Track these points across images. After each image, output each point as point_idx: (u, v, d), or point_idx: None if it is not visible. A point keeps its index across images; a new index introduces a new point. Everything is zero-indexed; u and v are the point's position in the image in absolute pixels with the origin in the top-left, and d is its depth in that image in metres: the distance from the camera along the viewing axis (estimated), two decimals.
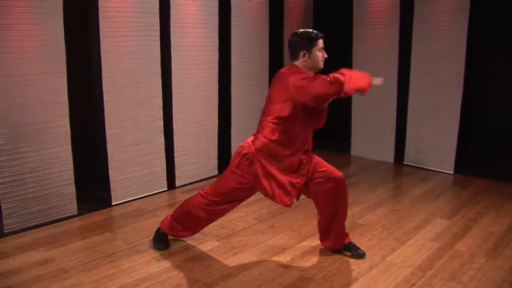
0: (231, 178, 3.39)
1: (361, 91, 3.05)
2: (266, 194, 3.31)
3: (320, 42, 3.30)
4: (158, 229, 3.82)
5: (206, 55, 5.35)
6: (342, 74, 3.02)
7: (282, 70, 3.32)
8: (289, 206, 3.30)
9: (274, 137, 3.23)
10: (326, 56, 3.33)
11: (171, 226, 3.73)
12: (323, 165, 3.49)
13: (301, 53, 3.26)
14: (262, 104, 3.44)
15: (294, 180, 3.30)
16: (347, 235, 3.68)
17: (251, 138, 3.37)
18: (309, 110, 3.18)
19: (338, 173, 3.48)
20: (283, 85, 3.19)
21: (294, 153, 3.29)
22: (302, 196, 3.50)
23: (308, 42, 3.26)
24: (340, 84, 2.98)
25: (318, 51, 3.28)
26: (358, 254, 3.64)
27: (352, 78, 3.02)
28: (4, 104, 3.88)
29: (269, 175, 3.26)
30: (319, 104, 3.16)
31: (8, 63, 3.86)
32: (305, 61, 3.27)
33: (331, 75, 3.04)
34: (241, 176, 3.33)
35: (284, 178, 3.26)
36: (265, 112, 3.32)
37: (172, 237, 3.83)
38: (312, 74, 3.23)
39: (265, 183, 3.26)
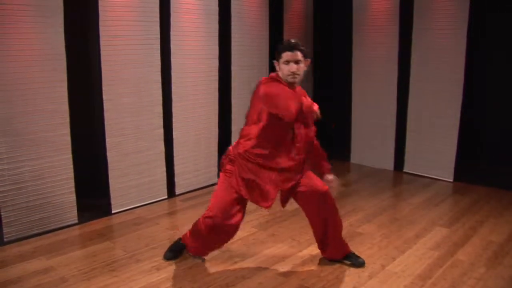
0: (221, 181, 3.41)
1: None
2: (244, 194, 3.32)
3: (286, 55, 3.13)
4: (178, 240, 3.79)
5: (206, 63, 5.36)
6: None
7: (262, 78, 3.30)
8: (267, 208, 3.35)
9: (254, 143, 3.26)
10: (293, 70, 3.13)
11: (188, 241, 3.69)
12: (309, 176, 3.46)
13: (275, 63, 3.25)
14: None
15: (273, 186, 3.30)
16: (346, 245, 3.69)
17: (234, 144, 3.43)
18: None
19: (322, 187, 3.44)
20: (257, 93, 3.20)
21: (273, 159, 3.27)
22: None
23: (277, 53, 3.21)
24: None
25: (283, 64, 3.16)
26: (358, 263, 3.64)
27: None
28: (5, 113, 3.89)
29: (247, 177, 3.28)
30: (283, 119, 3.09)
31: (9, 72, 3.88)
32: (278, 71, 3.24)
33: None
34: (229, 176, 3.36)
35: (262, 181, 3.28)
36: (246, 118, 3.39)
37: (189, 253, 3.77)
38: (286, 86, 3.16)
39: (241, 183, 3.29)
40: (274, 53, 3.26)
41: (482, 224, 4.51)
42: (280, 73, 3.21)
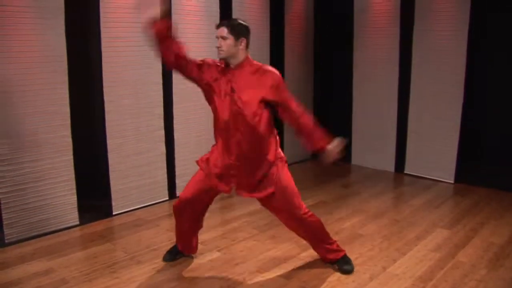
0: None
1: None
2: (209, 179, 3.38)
3: (217, 31, 3.19)
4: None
5: None
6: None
7: None
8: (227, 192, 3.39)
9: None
10: (217, 45, 3.15)
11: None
12: (282, 196, 3.34)
13: None
14: None
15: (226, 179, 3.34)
16: (335, 251, 3.62)
17: None
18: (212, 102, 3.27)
19: (296, 214, 3.39)
20: None
21: (221, 151, 3.32)
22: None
23: None
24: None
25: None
26: (342, 270, 3.57)
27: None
28: (6, 114, 3.90)
29: (208, 159, 3.38)
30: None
31: (11, 73, 3.88)
32: None
33: None
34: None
35: (217, 166, 3.33)
36: None
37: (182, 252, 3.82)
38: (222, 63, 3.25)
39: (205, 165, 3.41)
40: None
41: (483, 225, 4.50)
42: None
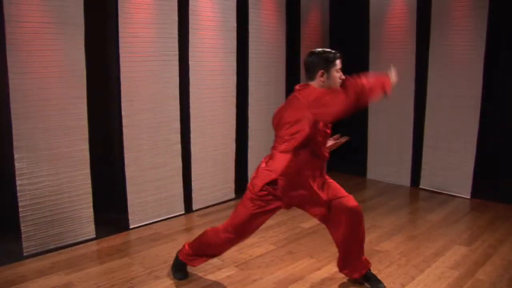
0: (249, 204, 3.32)
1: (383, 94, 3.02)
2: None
3: (338, 63, 3.22)
4: (176, 258, 3.72)
5: (224, 79, 5.39)
6: (362, 85, 2.96)
7: (296, 87, 3.32)
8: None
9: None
10: (343, 77, 3.21)
11: (189, 256, 3.64)
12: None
13: (319, 73, 3.19)
14: None
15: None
16: (364, 264, 3.54)
17: (266, 161, 3.35)
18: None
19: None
20: (296, 103, 3.20)
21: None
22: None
23: (326, 62, 3.20)
24: (365, 94, 2.97)
25: (336, 72, 3.22)
26: None
27: (372, 86, 2.97)
28: (25, 128, 3.94)
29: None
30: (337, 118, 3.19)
31: (30, 88, 3.93)
32: (323, 81, 3.20)
33: (348, 85, 3.00)
34: (260, 200, 3.29)
35: None
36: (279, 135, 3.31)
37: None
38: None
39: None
40: (310, 63, 3.24)
41: (502, 243, 4.45)
42: (324, 82, 3.22)
